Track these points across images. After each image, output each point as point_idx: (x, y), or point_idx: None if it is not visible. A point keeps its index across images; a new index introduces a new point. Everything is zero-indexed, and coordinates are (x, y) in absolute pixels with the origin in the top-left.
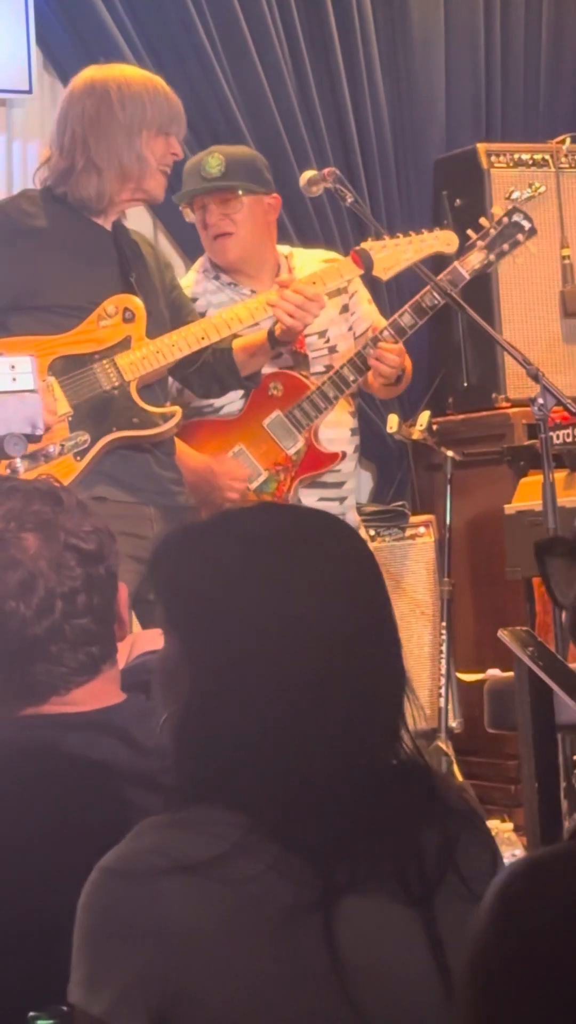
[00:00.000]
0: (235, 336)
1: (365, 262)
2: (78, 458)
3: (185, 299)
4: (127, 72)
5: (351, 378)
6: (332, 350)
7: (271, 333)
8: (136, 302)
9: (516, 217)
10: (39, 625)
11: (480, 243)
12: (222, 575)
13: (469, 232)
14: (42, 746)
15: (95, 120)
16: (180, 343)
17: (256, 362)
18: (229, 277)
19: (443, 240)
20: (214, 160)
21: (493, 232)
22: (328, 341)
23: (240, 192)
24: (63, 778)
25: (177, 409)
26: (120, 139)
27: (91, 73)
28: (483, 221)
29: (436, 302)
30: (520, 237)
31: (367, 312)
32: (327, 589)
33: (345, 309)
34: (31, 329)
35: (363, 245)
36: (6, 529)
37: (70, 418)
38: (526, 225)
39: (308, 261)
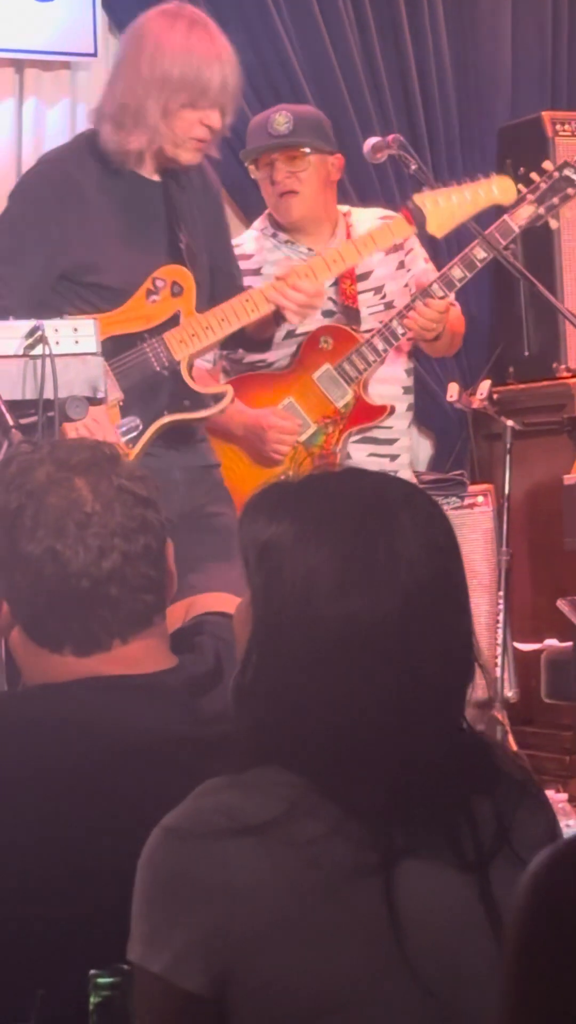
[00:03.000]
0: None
1: (417, 220)
2: (130, 445)
3: (230, 259)
4: (175, 26)
5: (400, 331)
6: (389, 306)
7: (276, 314)
8: (185, 274)
9: (567, 171)
10: (99, 566)
11: (530, 196)
12: (295, 531)
13: (519, 187)
14: (109, 712)
15: (127, 68)
16: (230, 316)
17: (268, 332)
18: (287, 235)
19: (500, 189)
20: (282, 118)
21: (543, 186)
22: (384, 297)
23: (307, 150)
24: (127, 746)
25: (228, 388)
26: (145, 100)
27: (150, 19)
28: (533, 175)
29: (486, 255)
30: (571, 191)
31: (424, 271)
32: (400, 554)
33: (401, 266)
34: (80, 307)
35: (415, 199)
36: (59, 473)
37: (121, 403)
38: None
39: (365, 219)
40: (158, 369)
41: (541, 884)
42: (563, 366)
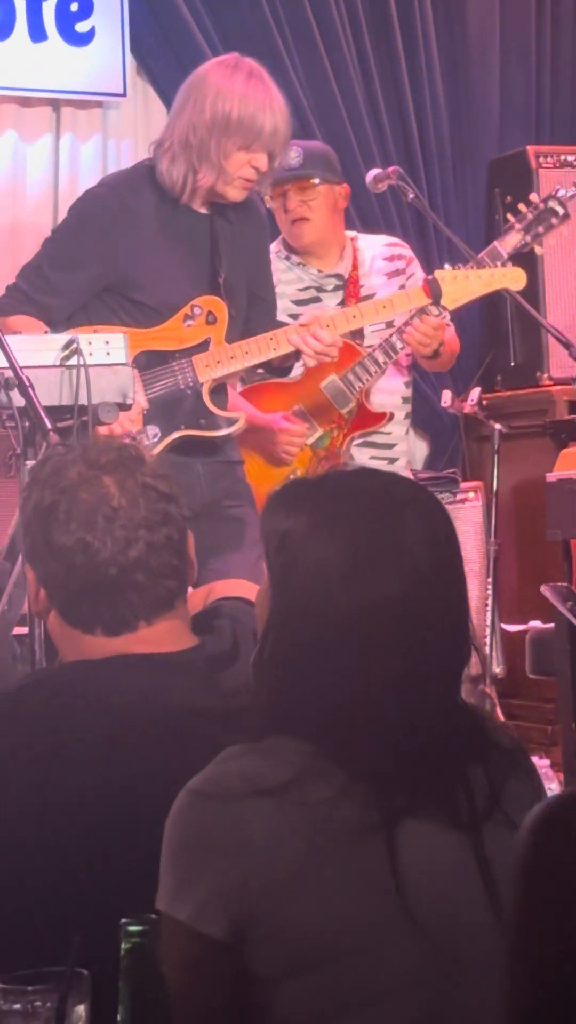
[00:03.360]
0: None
1: (434, 292)
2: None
3: (268, 287)
4: (237, 75)
5: (399, 345)
6: (389, 325)
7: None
8: (220, 306)
9: (551, 203)
10: (126, 555)
11: (518, 225)
12: (310, 524)
13: (508, 216)
14: (136, 686)
15: (191, 107)
16: (253, 350)
17: (289, 362)
18: (299, 258)
19: (511, 277)
20: (293, 152)
21: (530, 216)
22: None
23: (317, 181)
24: (153, 717)
25: (241, 414)
26: (201, 139)
27: (211, 67)
28: (521, 206)
29: None
30: (554, 221)
31: (420, 280)
32: (404, 545)
33: (402, 288)
34: (125, 314)
35: (436, 274)
36: (88, 472)
37: (144, 412)
38: (560, 211)
39: (371, 244)
40: (182, 387)
41: (539, 834)
42: (546, 375)
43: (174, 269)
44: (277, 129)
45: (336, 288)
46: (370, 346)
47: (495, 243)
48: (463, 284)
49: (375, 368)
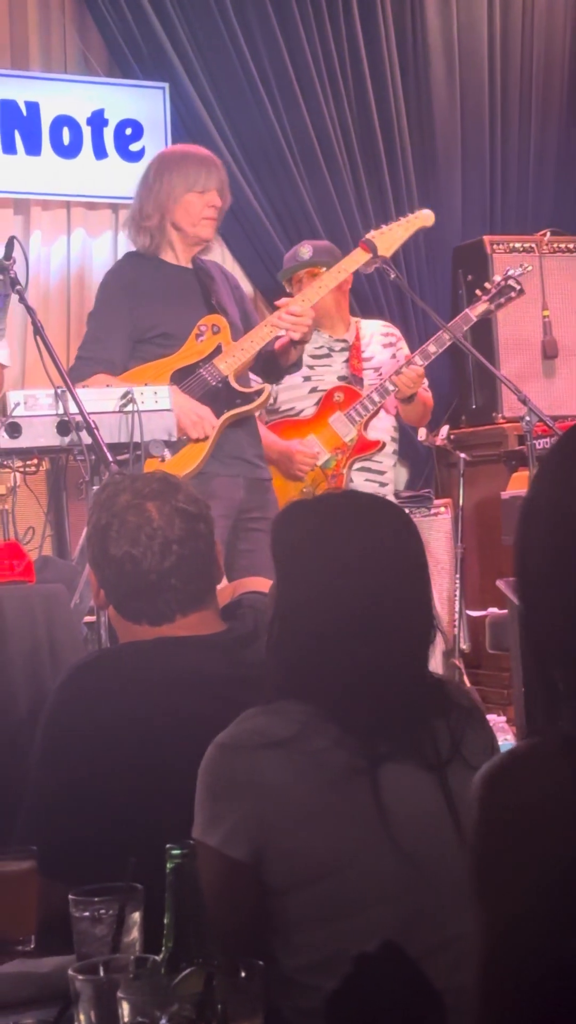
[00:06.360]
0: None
1: (371, 248)
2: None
3: (255, 321)
4: (173, 149)
5: (390, 387)
6: (378, 389)
7: (291, 340)
8: (220, 318)
9: (510, 282)
10: (162, 565)
11: (484, 297)
12: (304, 538)
13: (477, 291)
14: (177, 661)
15: (141, 187)
16: (255, 339)
17: (291, 357)
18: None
19: (423, 218)
20: (305, 248)
21: (494, 290)
22: (380, 375)
23: (324, 268)
24: (191, 684)
25: (266, 386)
26: (154, 199)
27: (154, 157)
28: (487, 284)
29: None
30: (512, 295)
31: (406, 353)
32: (375, 553)
33: (393, 356)
34: (153, 355)
35: (367, 236)
36: (135, 500)
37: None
38: (516, 287)
39: (370, 327)
40: (214, 384)
41: (490, 783)
42: (500, 415)
43: (175, 307)
44: (212, 172)
45: (343, 349)
46: (370, 386)
47: (466, 310)
48: (389, 236)
49: (371, 405)
